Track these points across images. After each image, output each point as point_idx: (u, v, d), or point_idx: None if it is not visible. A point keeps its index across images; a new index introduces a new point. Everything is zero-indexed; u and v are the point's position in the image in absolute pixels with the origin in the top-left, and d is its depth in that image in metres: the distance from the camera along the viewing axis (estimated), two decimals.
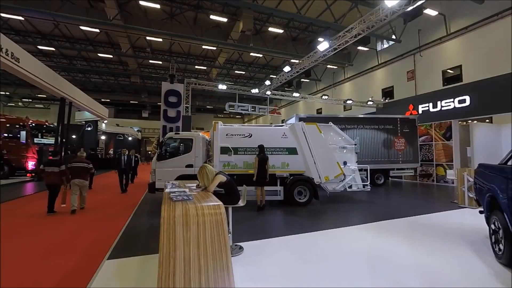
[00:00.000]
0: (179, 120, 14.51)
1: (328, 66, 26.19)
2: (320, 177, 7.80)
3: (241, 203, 4.08)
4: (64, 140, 13.05)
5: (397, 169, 12.70)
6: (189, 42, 20.78)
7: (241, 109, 15.04)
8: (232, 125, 8.29)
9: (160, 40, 20.31)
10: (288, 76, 12.41)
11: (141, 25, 17.86)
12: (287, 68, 11.27)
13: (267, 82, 13.38)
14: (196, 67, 26.30)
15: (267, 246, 4.40)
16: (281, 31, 18.43)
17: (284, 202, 7.88)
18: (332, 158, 7.91)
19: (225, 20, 17.68)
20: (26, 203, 8.26)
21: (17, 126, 14.71)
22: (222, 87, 14.87)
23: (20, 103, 41.68)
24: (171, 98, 14.56)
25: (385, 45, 21.61)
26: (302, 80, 31.22)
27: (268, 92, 14.67)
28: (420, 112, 15.17)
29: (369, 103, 16.92)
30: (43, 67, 11.54)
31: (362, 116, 13.94)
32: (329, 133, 8.23)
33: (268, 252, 4.13)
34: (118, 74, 31.48)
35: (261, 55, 23.34)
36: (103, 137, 29.74)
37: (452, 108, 13.40)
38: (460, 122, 13.21)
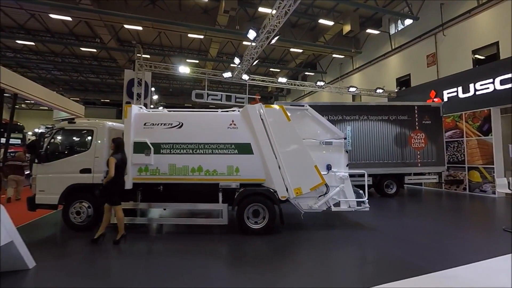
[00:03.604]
0: None
1: (334, 55, 23.14)
2: (287, 190, 5.03)
3: None
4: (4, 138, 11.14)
5: (415, 174, 9.55)
6: (172, 30, 18.65)
7: (212, 99, 12.40)
8: (155, 110, 5.70)
9: (140, 28, 18.25)
10: (257, 49, 9.48)
11: (118, 11, 15.91)
12: (252, 34, 8.53)
13: (236, 61, 10.64)
14: (188, 60, 24.09)
15: None
16: (274, 11, 15.66)
17: (231, 227, 5.17)
18: (307, 159, 5.11)
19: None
20: None
21: None
22: (184, 70, 12.30)
23: (23, 105, 41.63)
24: (137, 88, 12.24)
25: (400, 27, 18.33)
26: (306, 73, 28.34)
27: (245, 77, 11.94)
28: (445, 99, 11.84)
29: (378, 91, 13.73)
30: None
31: (365, 103, 10.88)
32: (304, 121, 5.39)
33: None
34: (114, 72, 30.08)
35: (261, 48, 20.65)
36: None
37: (491, 92, 10.01)
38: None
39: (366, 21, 19.35)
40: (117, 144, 4.68)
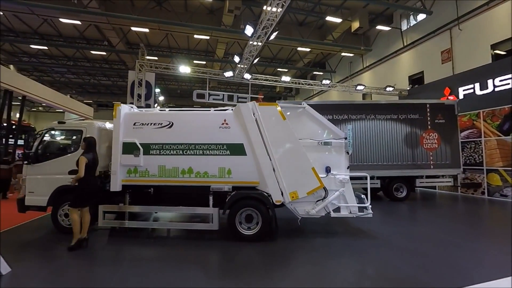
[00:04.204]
0: None
1: (343, 54, 22.50)
2: (283, 194, 4.69)
3: None
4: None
5: (427, 176, 8.93)
6: (178, 31, 18.70)
7: (214, 99, 12.15)
8: (147, 109, 5.50)
9: (147, 30, 18.39)
10: (257, 46, 9.10)
11: (124, 14, 16.10)
12: (249, 30, 8.21)
13: (236, 59, 10.36)
14: (195, 61, 24.11)
15: None
16: (279, 9, 15.34)
17: (222, 233, 4.89)
18: (304, 161, 4.75)
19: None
20: None
21: None
22: (184, 70, 12.14)
23: (40, 108, 43.17)
24: (140, 89, 12.24)
25: (412, 22, 17.56)
26: (315, 73, 27.79)
27: (247, 76, 11.64)
28: (461, 97, 11.09)
29: (388, 89, 13.08)
30: None
31: (372, 102, 10.33)
32: (302, 120, 5.02)
33: None
34: (125, 75, 30.62)
35: (260, 43, 20.36)
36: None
37: None
38: None
39: (376, 18, 18.66)
40: (88, 144, 4.49)
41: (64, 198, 4.98)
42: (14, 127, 13.27)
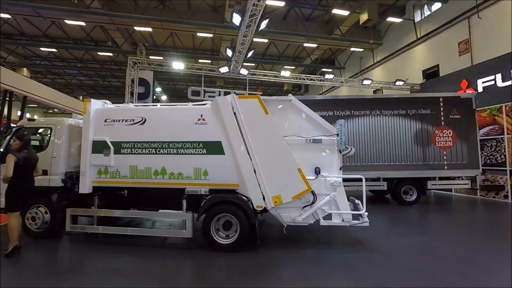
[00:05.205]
0: None
1: (353, 49, 21.53)
2: (264, 198, 4.12)
3: None
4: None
5: (440, 178, 8.06)
6: (180, 29, 18.51)
7: (209, 96, 11.73)
8: (118, 105, 5.09)
9: (150, 29, 18.29)
10: (248, 37, 8.42)
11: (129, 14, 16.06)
12: (236, 19, 7.63)
13: (229, 52, 9.80)
14: (200, 60, 23.86)
15: None
16: (281, 3, 14.77)
17: (200, 240, 4.40)
18: (289, 161, 4.16)
19: None
20: None
21: None
22: (178, 66, 11.74)
23: (56, 110, 44.63)
24: (138, 88, 12.02)
25: (426, 13, 16.44)
26: (324, 70, 26.89)
27: (244, 71, 11.07)
28: (480, 89, 10.05)
29: (398, 83, 12.12)
30: None
31: (376, 96, 9.52)
32: (287, 115, 4.43)
33: None
34: None
35: (266, 40, 19.83)
36: None
37: None
38: None
39: (387, 10, 17.63)
40: (24, 142, 4.13)
41: (32, 200, 4.66)
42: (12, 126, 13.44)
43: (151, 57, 19.08)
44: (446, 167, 7.98)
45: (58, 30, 20.58)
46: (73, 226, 4.59)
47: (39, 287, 3.15)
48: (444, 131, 8.07)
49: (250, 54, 10.26)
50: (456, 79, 11.32)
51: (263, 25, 7.44)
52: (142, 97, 12.06)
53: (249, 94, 12.25)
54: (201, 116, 4.43)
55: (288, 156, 4.17)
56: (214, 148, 4.33)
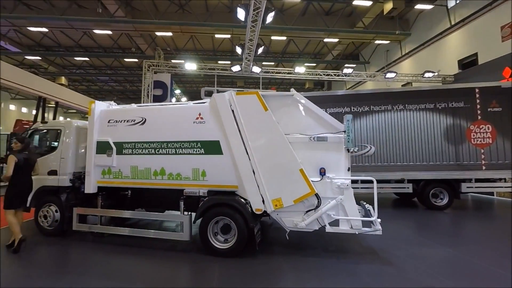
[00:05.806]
0: None
1: (378, 42, 20.25)
2: (264, 201, 3.84)
3: None
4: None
5: (477, 180, 7.11)
6: (199, 32, 18.81)
7: None
8: (125, 106, 5.11)
9: (170, 34, 18.83)
10: (255, 32, 8.04)
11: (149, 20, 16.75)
12: (241, 14, 7.34)
13: (239, 50, 9.56)
14: (219, 62, 24.10)
15: None
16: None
17: (195, 245, 4.23)
18: (290, 161, 3.83)
19: None
20: None
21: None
22: (190, 67, 11.76)
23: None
24: (155, 91, 12.37)
25: None
26: (347, 65, 25.72)
27: (257, 69, 10.76)
28: None
29: (426, 75, 11.00)
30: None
31: (399, 89, 8.67)
32: (290, 111, 4.09)
33: None
34: None
35: (284, 38, 19.40)
36: None
37: None
38: None
39: None
40: (24, 144, 4.34)
41: (45, 199, 4.86)
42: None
43: (172, 60, 19.73)
44: (484, 168, 7.00)
45: (89, 40, 22.05)
46: (79, 225, 4.70)
47: (35, 287, 3.19)
48: (481, 127, 7.10)
49: (260, 50, 9.99)
50: (497, 67, 10.01)
51: (270, 18, 7.13)
52: (161, 99, 12.37)
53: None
54: (199, 114, 4.27)
55: (289, 155, 3.83)
56: (212, 147, 4.14)
